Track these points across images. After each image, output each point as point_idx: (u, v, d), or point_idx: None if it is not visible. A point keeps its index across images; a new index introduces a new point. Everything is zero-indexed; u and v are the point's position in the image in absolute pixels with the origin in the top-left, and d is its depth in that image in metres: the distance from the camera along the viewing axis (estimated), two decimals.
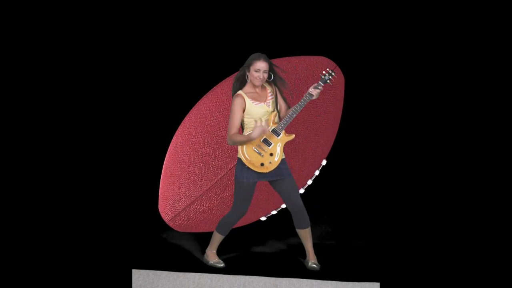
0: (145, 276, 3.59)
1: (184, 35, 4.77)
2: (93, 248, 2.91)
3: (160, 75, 4.82)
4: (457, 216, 2.94)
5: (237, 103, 3.58)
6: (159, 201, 4.22)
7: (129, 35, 4.31)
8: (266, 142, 3.62)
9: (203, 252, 3.98)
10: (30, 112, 2.89)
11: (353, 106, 4.57)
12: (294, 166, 4.32)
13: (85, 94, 2.99)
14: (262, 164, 3.60)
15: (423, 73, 3.05)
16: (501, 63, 2.95)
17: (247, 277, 3.63)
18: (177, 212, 4.20)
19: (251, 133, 3.55)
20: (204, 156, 4.25)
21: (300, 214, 3.73)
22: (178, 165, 4.24)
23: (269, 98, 3.66)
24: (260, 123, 3.55)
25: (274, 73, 3.65)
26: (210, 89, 4.37)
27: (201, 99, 4.34)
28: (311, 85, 3.71)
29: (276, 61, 4.31)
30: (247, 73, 3.61)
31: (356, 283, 3.58)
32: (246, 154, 3.60)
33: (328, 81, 3.61)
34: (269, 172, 3.63)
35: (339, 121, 4.44)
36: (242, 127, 3.67)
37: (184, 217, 4.22)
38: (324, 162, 3.64)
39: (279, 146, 3.63)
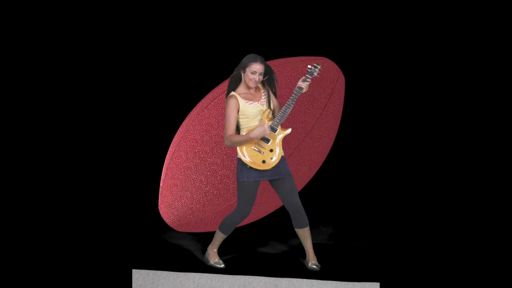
0: (145, 276, 3.59)
1: (185, 35, 4.77)
2: (93, 248, 2.91)
3: (160, 75, 4.83)
4: (457, 216, 2.94)
5: (231, 104, 3.60)
6: (159, 201, 4.22)
7: (128, 36, 4.31)
8: (264, 139, 3.63)
9: (203, 252, 3.98)
10: (30, 112, 2.89)
11: (353, 106, 4.58)
12: (295, 166, 4.32)
13: (84, 95, 2.99)
14: (264, 161, 3.62)
15: (424, 73, 3.05)
16: (501, 63, 2.95)
17: (247, 277, 3.63)
18: (178, 214, 4.20)
19: (249, 133, 3.56)
20: (202, 154, 4.26)
21: (299, 214, 3.73)
22: (177, 165, 4.24)
23: (263, 97, 3.67)
24: (262, 124, 3.57)
25: (270, 74, 3.66)
26: (209, 89, 4.37)
27: (201, 100, 4.34)
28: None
29: (276, 62, 4.32)
30: (242, 74, 3.62)
31: (356, 283, 3.59)
32: (246, 154, 3.61)
33: (315, 73, 3.63)
34: (269, 170, 3.64)
35: (339, 121, 4.44)
36: (237, 128, 3.68)
37: (185, 218, 4.22)
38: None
39: (277, 141, 3.64)
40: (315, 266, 3.79)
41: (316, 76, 3.67)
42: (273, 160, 3.63)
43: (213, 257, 3.86)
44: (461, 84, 2.99)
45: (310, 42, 4.69)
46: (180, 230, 4.26)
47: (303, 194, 4.27)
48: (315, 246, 3.88)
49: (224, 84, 4.28)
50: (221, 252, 3.91)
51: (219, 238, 3.86)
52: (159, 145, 4.43)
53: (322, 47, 4.62)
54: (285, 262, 3.95)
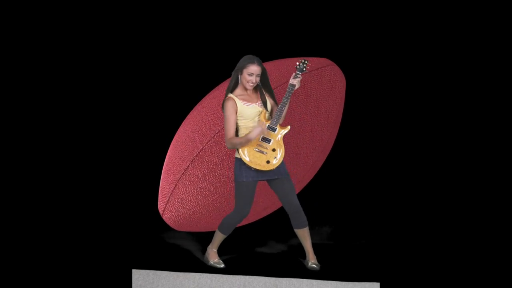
0: (145, 276, 3.59)
1: (185, 35, 4.77)
2: (93, 248, 2.91)
3: (159, 75, 4.82)
4: (457, 216, 2.94)
5: (229, 107, 3.61)
6: (158, 201, 4.22)
7: (128, 36, 4.31)
8: (265, 140, 3.63)
9: (203, 252, 3.98)
10: (30, 112, 2.89)
11: (353, 106, 4.58)
12: (295, 167, 4.32)
13: (84, 95, 2.99)
14: (268, 162, 3.62)
15: (424, 74, 3.05)
16: (501, 63, 2.95)
17: (247, 277, 3.63)
18: (177, 213, 4.20)
19: (248, 134, 3.56)
20: (200, 152, 4.26)
21: (297, 214, 3.73)
22: (178, 165, 4.24)
23: (261, 98, 3.68)
24: (258, 123, 3.57)
25: (265, 79, 3.67)
26: (209, 90, 4.37)
27: (201, 101, 4.34)
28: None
29: (277, 63, 4.33)
30: (240, 76, 3.62)
31: (356, 283, 3.58)
32: (248, 156, 3.61)
33: (304, 69, 3.67)
34: (268, 171, 3.64)
35: (339, 122, 4.44)
36: (236, 129, 3.68)
37: (183, 216, 4.21)
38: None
39: (278, 140, 3.64)
40: (315, 266, 3.79)
41: (305, 72, 3.69)
42: (277, 159, 3.63)
43: (213, 257, 3.86)
44: (461, 84, 2.99)
45: (311, 43, 4.69)
46: (179, 229, 4.26)
47: (303, 194, 4.28)
48: (315, 246, 3.88)
49: (224, 85, 4.27)
50: (221, 252, 3.91)
51: (218, 238, 3.86)
52: (159, 145, 4.43)
53: (322, 47, 4.61)
54: (285, 262, 3.94)
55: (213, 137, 4.14)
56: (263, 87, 3.72)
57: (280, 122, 3.66)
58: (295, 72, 3.67)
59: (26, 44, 2.89)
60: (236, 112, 3.62)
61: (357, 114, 4.70)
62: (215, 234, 3.87)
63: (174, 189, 4.12)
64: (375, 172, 4.58)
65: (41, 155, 2.89)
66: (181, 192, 4.14)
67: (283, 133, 3.67)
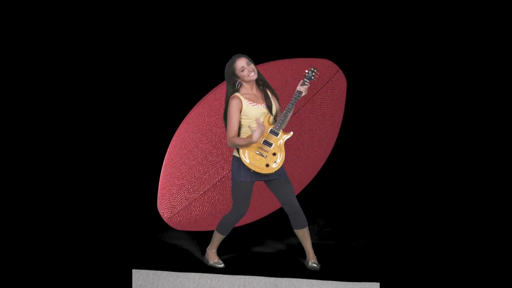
0: (145, 276, 3.59)
1: (186, 35, 4.77)
2: (93, 248, 2.91)
3: (159, 75, 4.82)
4: (457, 216, 2.94)
5: (233, 105, 3.60)
6: (157, 200, 4.22)
7: (128, 36, 4.31)
8: (267, 143, 3.62)
9: (203, 252, 3.98)
10: (30, 112, 2.88)
11: (354, 106, 4.58)
12: (295, 168, 4.32)
13: (84, 95, 2.99)
14: (267, 165, 3.61)
15: (425, 76, 3.05)
16: (501, 64, 2.95)
17: (247, 277, 3.63)
18: (176, 210, 4.20)
19: (250, 137, 3.55)
20: (205, 153, 4.26)
21: (297, 214, 3.73)
22: (177, 165, 4.24)
23: (265, 102, 3.67)
24: (257, 124, 3.56)
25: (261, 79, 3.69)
26: (209, 90, 4.38)
27: (201, 100, 4.34)
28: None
29: (277, 63, 4.33)
30: (237, 80, 3.62)
31: (356, 283, 3.59)
32: (248, 158, 3.60)
33: (312, 77, 3.66)
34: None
35: (340, 122, 4.44)
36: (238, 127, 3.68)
37: (183, 216, 4.21)
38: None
39: (280, 144, 3.64)
40: (315, 265, 3.79)
41: (313, 80, 3.69)
42: (276, 163, 3.63)
43: (212, 258, 3.86)
44: (461, 85, 2.99)
45: (312, 45, 4.69)
46: (178, 228, 4.26)
47: (303, 194, 4.28)
48: (315, 246, 3.88)
49: (222, 86, 4.27)
50: (221, 252, 3.91)
51: (217, 238, 3.86)
52: (159, 145, 4.43)
53: (322, 47, 4.62)
54: (285, 262, 3.95)
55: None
56: (269, 90, 3.71)
57: (283, 127, 3.65)
58: (303, 79, 3.66)
59: (25, 44, 2.89)
60: (241, 111, 3.62)
61: (358, 114, 4.70)
62: (214, 235, 3.87)
63: (188, 205, 4.16)
64: (375, 172, 4.58)
65: (40, 155, 2.89)
66: (197, 210, 4.17)
67: (285, 138, 3.66)
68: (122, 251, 3.01)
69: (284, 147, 3.65)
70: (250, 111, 3.61)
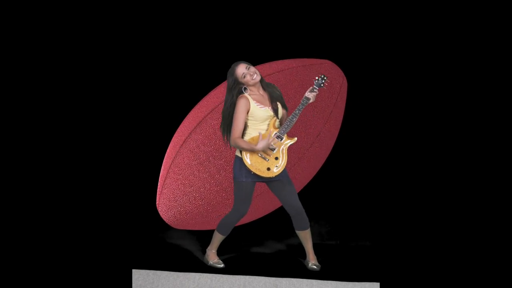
0: (145, 276, 3.59)
1: (186, 35, 4.77)
2: (93, 248, 2.91)
3: (159, 75, 4.82)
4: (457, 216, 2.94)
5: (241, 105, 3.59)
6: (157, 199, 4.22)
7: (128, 36, 4.31)
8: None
9: (203, 252, 3.98)
10: (29, 112, 2.88)
11: (354, 107, 4.58)
12: (294, 168, 4.32)
13: (83, 95, 2.99)
14: (268, 169, 3.61)
15: (425, 76, 3.05)
16: (502, 64, 2.95)
17: (247, 277, 3.63)
18: (176, 210, 4.20)
19: (254, 145, 3.56)
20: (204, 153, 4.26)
21: (300, 216, 3.73)
22: (176, 165, 4.24)
23: (271, 105, 3.66)
24: (265, 137, 3.56)
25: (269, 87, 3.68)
26: (209, 90, 4.38)
27: (200, 101, 4.34)
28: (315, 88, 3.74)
29: (277, 63, 4.32)
30: (242, 86, 3.62)
31: (356, 283, 3.59)
32: (250, 160, 3.60)
33: (322, 85, 3.66)
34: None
35: (340, 122, 4.44)
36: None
37: (179, 210, 4.20)
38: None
39: (283, 149, 3.64)
40: (315, 266, 3.79)
41: (322, 87, 3.68)
42: (277, 168, 3.62)
43: (212, 258, 3.86)
44: (461, 84, 2.99)
45: (312, 43, 4.69)
46: (177, 227, 4.26)
47: (303, 194, 4.28)
48: (315, 246, 3.88)
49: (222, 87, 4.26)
50: (221, 252, 3.91)
51: (217, 239, 3.86)
52: (159, 145, 4.43)
53: (323, 47, 4.62)
54: (285, 262, 3.95)
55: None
56: (275, 97, 3.70)
57: (287, 131, 3.65)
58: (312, 86, 3.66)
59: (25, 44, 2.89)
60: (248, 112, 3.62)
61: (358, 115, 4.70)
62: (214, 235, 3.87)
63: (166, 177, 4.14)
64: (375, 172, 4.58)
65: (40, 155, 2.89)
66: (197, 210, 4.18)
67: (289, 144, 3.66)
68: (122, 251, 3.01)
69: (287, 153, 3.66)
70: (257, 113, 3.61)
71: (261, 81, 3.68)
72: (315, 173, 4.50)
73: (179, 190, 4.20)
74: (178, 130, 4.30)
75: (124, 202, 3.15)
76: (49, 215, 2.87)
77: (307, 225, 3.76)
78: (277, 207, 4.38)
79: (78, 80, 2.98)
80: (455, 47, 3.01)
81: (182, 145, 4.23)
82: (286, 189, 3.69)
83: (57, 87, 2.94)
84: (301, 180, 4.42)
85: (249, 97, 3.61)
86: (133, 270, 3.60)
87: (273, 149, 3.62)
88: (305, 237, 3.81)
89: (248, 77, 3.59)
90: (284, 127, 3.62)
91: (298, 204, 3.71)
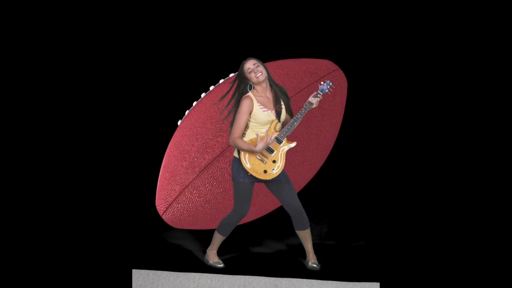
0: (145, 276, 3.59)
1: (186, 35, 4.77)
2: (93, 248, 2.91)
3: (159, 75, 4.82)
4: (457, 216, 2.94)
5: (245, 105, 3.58)
6: (156, 199, 4.22)
7: (127, 36, 4.31)
8: (269, 149, 3.63)
9: (203, 252, 3.98)
10: (29, 112, 2.88)
11: (354, 107, 4.58)
12: (294, 168, 4.32)
13: (83, 95, 2.99)
14: (265, 171, 3.61)
15: (425, 76, 3.05)
16: (502, 64, 2.95)
17: (247, 277, 3.63)
18: (169, 202, 4.18)
19: (253, 146, 3.55)
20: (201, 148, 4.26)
21: (299, 216, 3.73)
22: (175, 164, 4.24)
23: (275, 108, 3.65)
24: (266, 136, 3.55)
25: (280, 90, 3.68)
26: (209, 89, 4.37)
27: (202, 98, 4.34)
28: (314, 88, 3.74)
29: (278, 63, 4.32)
30: (248, 83, 3.62)
31: (356, 283, 3.59)
32: (248, 162, 3.61)
33: (326, 90, 3.65)
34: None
35: (340, 122, 4.44)
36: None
37: (176, 209, 4.20)
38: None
39: (281, 153, 3.64)
40: (315, 265, 3.79)
41: (327, 93, 3.68)
42: (274, 171, 3.63)
43: (212, 258, 3.86)
44: (461, 84, 2.99)
45: (312, 43, 4.68)
46: (176, 226, 4.25)
47: (303, 194, 4.28)
48: (315, 246, 3.88)
49: (227, 82, 4.26)
50: (220, 252, 3.91)
51: (217, 239, 3.86)
52: (159, 145, 4.43)
53: (323, 47, 4.61)
54: (285, 262, 3.95)
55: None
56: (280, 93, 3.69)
57: (288, 134, 3.65)
58: (316, 91, 3.66)
59: (24, 44, 2.89)
60: (250, 113, 3.61)
61: (358, 115, 4.70)
62: (214, 236, 3.87)
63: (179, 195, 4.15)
64: (375, 172, 4.58)
65: (40, 155, 2.89)
66: (196, 209, 4.17)
67: (287, 148, 3.66)
68: (122, 251, 3.01)
69: (285, 155, 3.66)
70: (259, 116, 3.60)
71: (270, 79, 3.67)
72: (315, 173, 4.50)
73: (179, 189, 4.20)
74: (178, 129, 4.30)
75: (124, 202, 3.15)
76: (49, 215, 2.87)
77: (307, 224, 3.76)
78: (277, 206, 4.38)
79: (78, 80, 2.98)
80: (455, 47, 3.02)
81: (182, 144, 4.23)
82: (286, 189, 3.70)
83: (57, 87, 2.94)
84: (301, 180, 4.41)
85: (254, 98, 3.61)
86: (133, 270, 3.60)
87: (272, 152, 3.62)
88: (305, 237, 3.81)
89: (252, 74, 3.59)
90: (285, 131, 3.62)
91: (298, 204, 3.71)
